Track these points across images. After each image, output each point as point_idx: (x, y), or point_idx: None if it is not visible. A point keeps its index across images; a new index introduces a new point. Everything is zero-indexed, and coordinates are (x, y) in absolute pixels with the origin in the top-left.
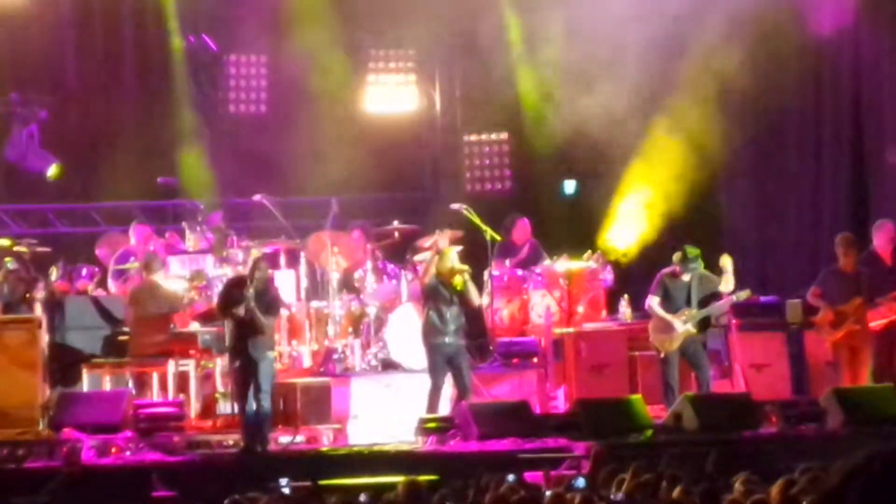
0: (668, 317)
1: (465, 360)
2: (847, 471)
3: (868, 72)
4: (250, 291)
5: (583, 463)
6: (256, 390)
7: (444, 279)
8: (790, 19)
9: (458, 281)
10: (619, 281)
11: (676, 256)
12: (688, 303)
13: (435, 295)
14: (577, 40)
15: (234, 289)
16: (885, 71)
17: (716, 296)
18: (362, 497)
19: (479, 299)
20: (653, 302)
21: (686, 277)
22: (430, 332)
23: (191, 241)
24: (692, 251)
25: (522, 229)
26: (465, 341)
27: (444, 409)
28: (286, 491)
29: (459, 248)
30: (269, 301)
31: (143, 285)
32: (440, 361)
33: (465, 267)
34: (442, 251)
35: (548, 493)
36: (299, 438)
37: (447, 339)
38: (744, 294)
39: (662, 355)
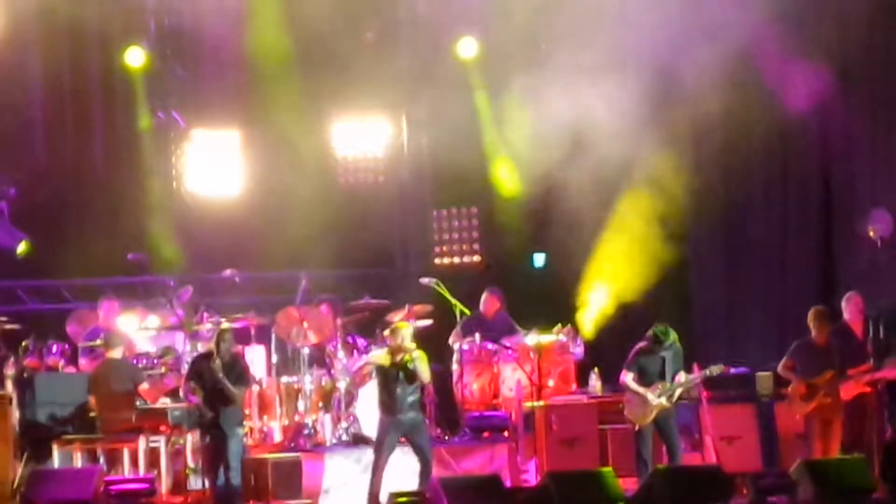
0: (643, 391)
1: (422, 434)
2: None
3: (836, 144)
4: (217, 362)
5: None
6: (226, 467)
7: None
8: (758, 96)
9: (407, 358)
10: (589, 354)
11: (650, 336)
12: (661, 376)
13: (382, 375)
14: (546, 115)
15: (202, 362)
16: (855, 143)
17: (689, 368)
18: None
19: (427, 377)
20: (627, 378)
21: (661, 353)
22: (384, 410)
23: (160, 317)
24: (663, 332)
25: (491, 301)
26: (422, 415)
27: (400, 484)
28: None
29: (428, 321)
30: (239, 372)
31: (103, 364)
32: (391, 439)
33: (412, 346)
34: (392, 327)
35: None
36: None
37: (401, 417)
38: (717, 369)
39: (637, 428)
